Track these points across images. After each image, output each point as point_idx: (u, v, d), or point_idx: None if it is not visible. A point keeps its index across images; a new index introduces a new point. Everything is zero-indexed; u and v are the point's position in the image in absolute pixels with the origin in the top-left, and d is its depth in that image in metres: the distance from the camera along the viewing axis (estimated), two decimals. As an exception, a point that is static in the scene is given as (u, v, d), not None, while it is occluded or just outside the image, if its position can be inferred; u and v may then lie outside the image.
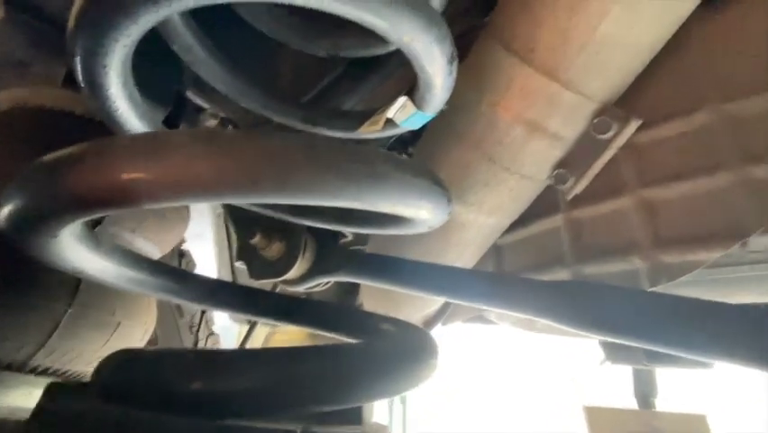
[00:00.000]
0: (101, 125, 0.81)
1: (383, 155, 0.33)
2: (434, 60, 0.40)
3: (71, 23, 0.32)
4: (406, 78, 0.87)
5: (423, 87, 0.47)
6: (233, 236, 0.84)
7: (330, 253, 0.82)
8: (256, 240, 0.74)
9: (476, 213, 0.79)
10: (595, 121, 0.66)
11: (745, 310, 0.49)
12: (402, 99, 0.52)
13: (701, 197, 0.66)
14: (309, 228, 0.80)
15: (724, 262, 0.72)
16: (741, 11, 0.65)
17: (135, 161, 0.23)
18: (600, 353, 2.52)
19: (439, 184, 0.36)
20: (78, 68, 0.35)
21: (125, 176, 0.24)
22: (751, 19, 0.64)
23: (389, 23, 0.35)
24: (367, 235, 0.93)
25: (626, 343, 0.55)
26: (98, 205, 0.25)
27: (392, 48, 0.72)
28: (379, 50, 0.73)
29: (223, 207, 0.87)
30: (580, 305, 0.55)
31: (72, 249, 0.34)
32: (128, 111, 0.42)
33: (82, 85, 0.37)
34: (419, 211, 0.34)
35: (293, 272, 0.77)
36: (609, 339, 0.57)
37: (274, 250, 0.75)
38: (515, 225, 0.91)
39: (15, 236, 0.32)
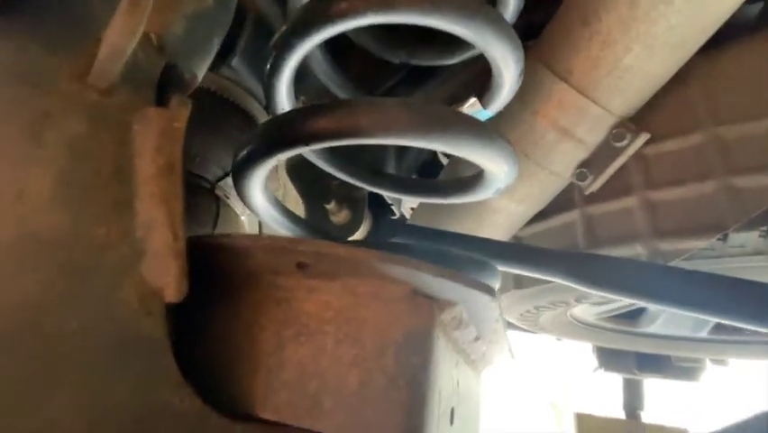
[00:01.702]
0: (231, 102, 0.98)
1: (474, 119, 0.50)
2: (508, 67, 0.57)
3: (288, 23, 0.49)
4: (453, 85, 1.05)
5: (494, 90, 0.64)
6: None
7: (383, 223, 0.98)
8: (331, 206, 0.90)
9: (508, 200, 0.96)
10: (613, 131, 0.84)
11: (735, 280, 0.64)
12: (473, 99, 0.69)
13: (692, 199, 0.83)
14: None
15: (710, 254, 0.89)
16: (733, 57, 0.83)
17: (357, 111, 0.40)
18: (593, 361, 2.67)
19: (513, 151, 0.52)
20: (271, 61, 0.51)
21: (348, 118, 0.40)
22: (740, 63, 0.83)
23: (481, 38, 0.51)
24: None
25: (644, 304, 0.71)
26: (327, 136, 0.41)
27: (453, 60, 0.90)
28: (444, 61, 0.91)
29: (292, 179, 1.03)
30: (600, 271, 0.71)
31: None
32: (285, 103, 0.57)
33: (267, 74, 0.53)
34: (501, 167, 0.50)
35: (352, 239, 0.94)
36: (629, 300, 0.72)
37: (342, 216, 0.92)
38: (535, 219, 1.08)
39: (238, 167, 0.48)
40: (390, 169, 0.97)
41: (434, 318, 0.33)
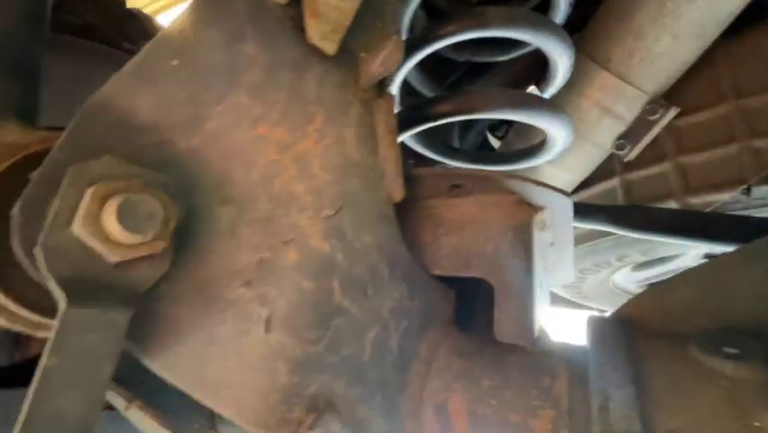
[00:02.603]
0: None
1: (544, 99, 0.71)
2: (563, 63, 0.78)
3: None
4: (504, 77, 1.25)
5: (549, 79, 0.84)
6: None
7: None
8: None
9: (558, 169, 1.16)
10: (647, 107, 1.01)
11: (740, 217, 0.82)
12: (532, 87, 0.90)
13: (718, 160, 1.00)
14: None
15: (738, 207, 1.04)
16: (751, 38, 0.99)
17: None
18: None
19: (568, 118, 0.72)
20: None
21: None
22: (758, 43, 0.98)
23: (545, 43, 0.72)
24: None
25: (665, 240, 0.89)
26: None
27: (506, 57, 1.10)
28: (499, 58, 1.11)
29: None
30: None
31: None
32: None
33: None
34: (561, 132, 0.71)
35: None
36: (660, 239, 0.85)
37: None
38: (580, 187, 1.26)
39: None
40: (456, 146, 1.19)
41: (532, 216, 0.55)
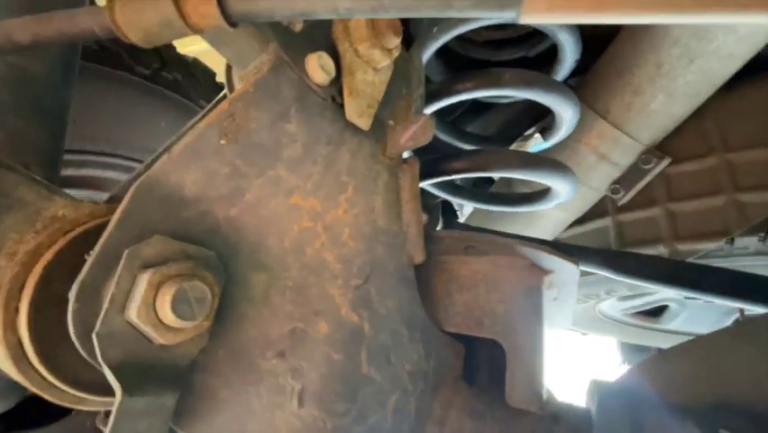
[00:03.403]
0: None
1: (554, 160, 0.75)
2: (570, 119, 0.82)
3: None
4: (503, 116, 1.29)
5: (555, 129, 0.89)
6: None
7: (451, 224, 1.24)
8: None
9: (554, 208, 1.20)
10: (642, 156, 1.07)
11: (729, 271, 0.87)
12: (538, 135, 0.94)
13: (705, 210, 1.06)
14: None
15: (721, 254, 1.10)
16: (740, 95, 1.05)
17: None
18: (618, 356, 2.83)
19: (575, 176, 0.77)
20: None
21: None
22: (746, 99, 1.05)
23: (556, 104, 0.77)
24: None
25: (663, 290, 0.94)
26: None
27: (506, 100, 1.14)
28: (500, 100, 1.15)
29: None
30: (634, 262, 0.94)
31: None
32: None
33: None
34: (567, 188, 0.75)
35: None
36: (657, 286, 0.90)
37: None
38: (572, 224, 1.31)
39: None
40: (458, 182, 1.22)
41: (541, 279, 0.58)
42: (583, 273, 1.37)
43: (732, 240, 1.04)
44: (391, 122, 0.53)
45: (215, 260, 0.38)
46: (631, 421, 0.43)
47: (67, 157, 0.85)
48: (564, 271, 0.58)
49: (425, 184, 0.70)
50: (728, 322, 1.85)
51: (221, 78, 1.33)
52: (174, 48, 1.20)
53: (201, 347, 0.35)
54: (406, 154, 0.56)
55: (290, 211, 0.44)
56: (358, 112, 0.45)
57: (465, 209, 1.41)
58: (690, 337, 2.03)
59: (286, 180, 0.44)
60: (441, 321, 0.58)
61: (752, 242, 1.02)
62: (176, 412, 0.36)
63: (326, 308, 0.43)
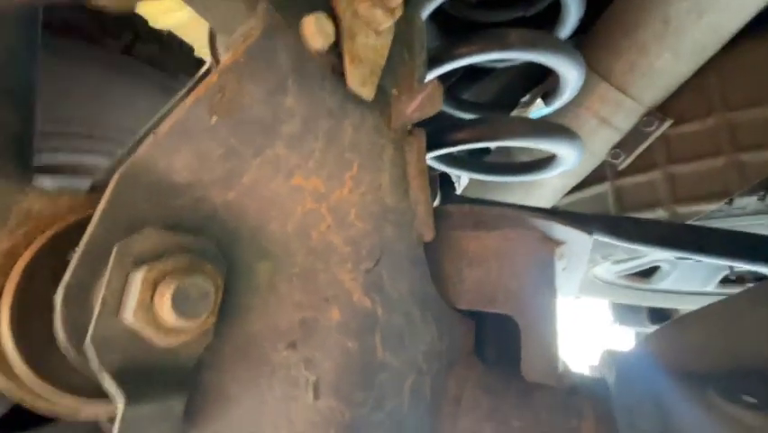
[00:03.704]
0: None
1: (562, 126, 0.71)
2: (574, 83, 0.78)
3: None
4: (500, 82, 1.24)
5: (558, 93, 0.85)
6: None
7: (449, 196, 1.21)
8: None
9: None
10: (644, 119, 1.04)
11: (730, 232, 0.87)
12: (539, 101, 0.90)
13: (705, 172, 1.05)
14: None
15: (719, 215, 1.10)
16: (742, 52, 1.02)
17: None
18: (610, 317, 2.92)
19: (582, 142, 0.74)
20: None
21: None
22: (748, 58, 1.02)
23: (561, 66, 0.72)
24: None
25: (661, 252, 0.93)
26: None
27: (504, 64, 1.09)
28: (497, 65, 1.10)
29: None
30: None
31: None
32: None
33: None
34: (573, 153, 0.72)
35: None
36: (651, 249, 0.91)
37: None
38: (570, 191, 1.30)
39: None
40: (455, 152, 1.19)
41: (553, 252, 0.56)
42: (582, 240, 1.37)
43: (731, 200, 1.03)
44: (395, 91, 0.49)
45: (215, 250, 0.34)
46: (651, 392, 0.42)
47: (40, 143, 0.79)
48: (576, 242, 0.57)
49: (429, 157, 0.66)
50: (717, 279, 1.90)
51: (199, 52, 1.25)
52: (147, 22, 1.11)
53: (206, 345, 0.33)
54: (410, 126, 0.52)
55: (292, 193, 0.41)
56: (360, 80, 0.41)
57: (462, 180, 1.38)
58: (681, 295, 2.08)
59: (286, 159, 0.40)
60: (452, 298, 0.56)
61: (751, 201, 1.02)
62: (185, 414, 0.34)
63: (337, 295, 0.40)
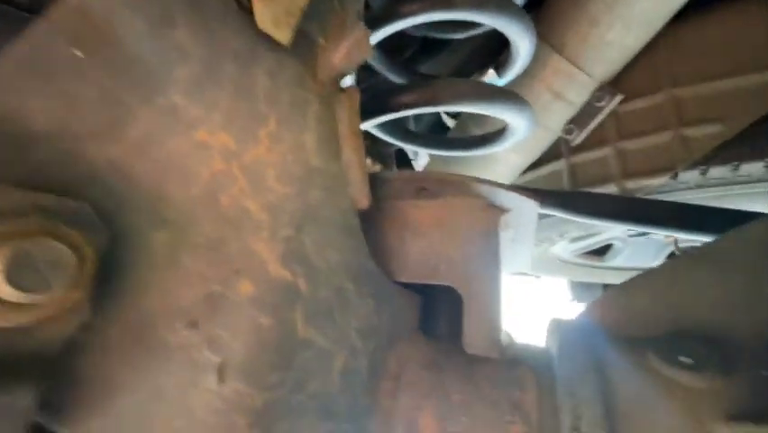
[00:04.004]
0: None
1: (510, 91, 0.68)
2: (525, 50, 0.76)
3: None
4: (458, 56, 1.21)
5: (510, 63, 0.82)
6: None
7: (407, 176, 1.18)
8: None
9: (510, 151, 1.17)
10: (596, 93, 1.04)
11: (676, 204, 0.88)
12: (491, 71, 0.87)
13: (653, 147, 1.07)
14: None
15: (665, 189, 1.14)
16: (690, 29, 1.03)
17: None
18: (569, 294, 3.03)
19: (532, 110, 0.71)
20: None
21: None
22: (696, 34, 1.03)
23: (511, 30, 0.69)
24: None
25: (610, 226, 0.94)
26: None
27: (462, 36, 1.06)
28: (456, 36, 1.06)
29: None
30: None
31: None
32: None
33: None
34: (523, 123, 0.70)
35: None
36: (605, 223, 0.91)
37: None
38: (528, 169, 1.30)
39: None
40: (411, 127, 1.15)
41: (498, 220, 0.54)
42: (538, 217, 1.39)
43: (676, 175, 1.06)
44: (322, 40, 0.43)
45: (89, 214, 0.29)
46: (592, 357, 0.41)
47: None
48: (522, 209, 0.54)
49: (371, 124, 0.62)
50: (664, 255, 2.00)
51: None
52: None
53: (75, 327, 0.27)
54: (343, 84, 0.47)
55: (196, 151, 0.35)
56: (272, 20, 0.36)
57: (421, 160, 1.35)
58: (633, 272, 2.19)
59: (184, 110, 0.34)
60: (394, 271, 0.53)
61: (693, 176, 1.06)
62: (57, 410, 0.28)
63: (250, 266, 0.35)
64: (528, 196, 0.51)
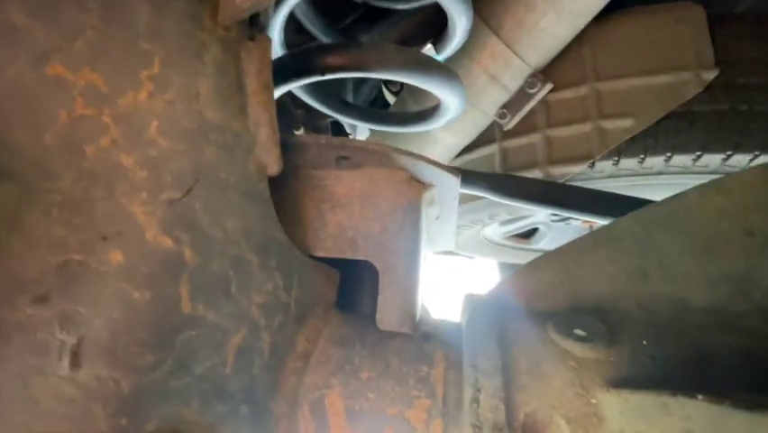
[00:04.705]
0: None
1: (442, 65, 0.67)
2: (462, 24, 0.74)
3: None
4: (402, 28, 1.18)
5: (448, 38, 0.81)
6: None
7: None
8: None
9: (446, 132, 1.17)
10: (528, 80, 1.07)
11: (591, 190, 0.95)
12: (429, 46, 0.85)
13: (575, 136, 1.13)
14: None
15: (583, 177, 1.22)
16: (614, 25, 1.10)
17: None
18: (497, 275, 3.20)
19: (463, 86, 0.71)
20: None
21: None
22: (619, 31, 1.10)
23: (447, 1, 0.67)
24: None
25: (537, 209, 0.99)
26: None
27: (407, 6, 1.02)
28: (400, 6, 1.03)
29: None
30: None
31: None
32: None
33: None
34: (455, 100, 0.69)
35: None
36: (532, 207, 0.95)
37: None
38: (463, 152, 1.32)
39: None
40: (350, 100, 1.10)
41: (421, 195, 0.53)
42: (470, 198, 1.43)
43: (593, 164, 1.14)
44: (225, -24, 0.37)
45: None
46: (496, 330, 0.41)
47: None
48: (445, 184, 0.54)
49: (294, 86, 0.57)
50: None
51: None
52: None
53: None
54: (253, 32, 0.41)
55: (48, 87, 0.28)
56: (153, -66, 0.30)
57: (359, 136, 1.31)
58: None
59: (30, 34, 0.27)
60: (311, 246, 0.49)
61: (607, 165, 1.14)
62: None
63: (122, 231, 0.30)
64: (449, 171, 0.50)
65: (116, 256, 0.29)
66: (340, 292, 0.53)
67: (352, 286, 0.56)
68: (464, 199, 1.40)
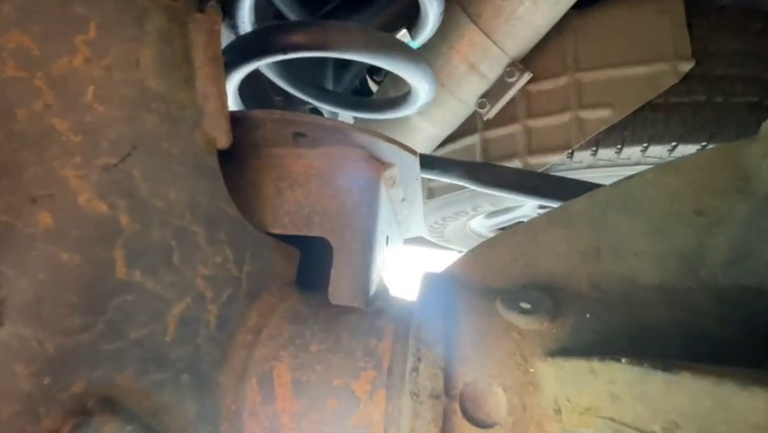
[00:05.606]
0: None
1: (409, 48, 0.67)
2: (432, 8, 0.74)
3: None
4: (384, 15, 1.17)
5: (421, 23, 0.80)
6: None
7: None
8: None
9: (426, 122, 1.17)
10: (507, 69, 1.07)
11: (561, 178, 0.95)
12: (403, 31, 0.85)
13: (554, 126, 1.14)
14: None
15: (562, 168, 1.23)
16: (596, 16, 1.10)
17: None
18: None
19: (431, 70, 0.71)
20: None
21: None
22: (600, 22, 1.10)
23: None
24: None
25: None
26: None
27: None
28: (378, -7, 1.02)
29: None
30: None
31: None
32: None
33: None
34: (424, 85, 0.69)
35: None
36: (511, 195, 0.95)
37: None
38: (444, 142, 1.32)
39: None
40: (330, 87, 1.10)
41: (381, 173, 0.53)
42: (451, 189, 1.43)
43: (572, 154, 1.15)
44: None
45: None
46: (444, 307, 0.42)
47: None
48: (405, 163, 0.54)
49: (259, 64, 0.56)
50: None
51: None
52: None
53: None
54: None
55: (-25, 48, 0.28)
56: None
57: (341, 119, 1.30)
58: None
59: (-48, -8, 0.27)
60: (267, 223, 0.49)
61: (585, 156, 1.15)
62: None
63: (52, 194, 0.30)
64: (407, 150, 0.50)
65: (45, 219, 0.29)
66: (304, 272, 0.53)
67: (318, 267, 0.56)
68: (446, 190, 1.40)
